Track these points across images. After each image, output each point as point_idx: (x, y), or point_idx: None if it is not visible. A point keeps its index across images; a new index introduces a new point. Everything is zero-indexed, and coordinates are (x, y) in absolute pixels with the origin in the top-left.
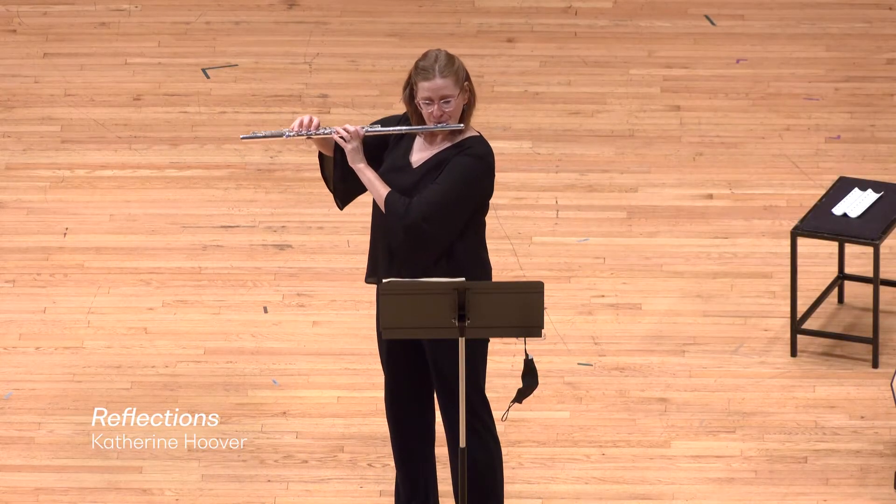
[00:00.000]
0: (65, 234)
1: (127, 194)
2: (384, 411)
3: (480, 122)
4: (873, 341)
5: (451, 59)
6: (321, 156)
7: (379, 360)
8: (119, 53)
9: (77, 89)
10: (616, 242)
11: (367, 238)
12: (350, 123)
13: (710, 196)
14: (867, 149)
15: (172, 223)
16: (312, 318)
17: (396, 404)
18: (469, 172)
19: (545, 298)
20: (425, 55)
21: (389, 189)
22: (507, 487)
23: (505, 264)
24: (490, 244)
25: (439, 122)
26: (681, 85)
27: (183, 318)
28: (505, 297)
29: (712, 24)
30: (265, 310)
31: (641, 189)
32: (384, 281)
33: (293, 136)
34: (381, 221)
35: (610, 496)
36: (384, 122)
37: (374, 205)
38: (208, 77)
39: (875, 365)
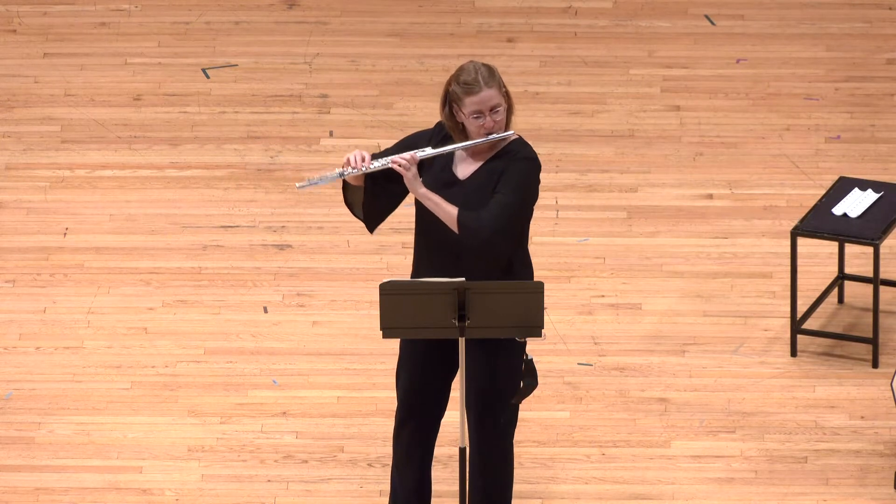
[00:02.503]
0: (65, 234)
1: (127, 194)
2: (384, 411)
3: None
4: (873, 341)
5: (490, 68)
6: (345, 183)
7: (379, 362)
8: (119, 53)
9: (77, 89)
10: (616, 242)
11: (367, 238)
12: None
13: (710, 196)
14: (867, 149)
15: (172, 223)
16: (312, 318)
17: (415, 413)
18: (528, 177)
19: (545, 298)
20: (463, 69)
21: (458, 208)
22: None
23: None
24: None
25: (490, 133)
26: (681, 85)
27: (183, 318)
28: (505, 297)
29: (712, 24)
30: (265, 310)
31: (641, 189)
32: (384, 281)
33: (349, 174)
34: (432, 231)
35: (610, 496)
36: (413, 138)
37: (421, 212)
38: (208, 77)
39: (875, 365)
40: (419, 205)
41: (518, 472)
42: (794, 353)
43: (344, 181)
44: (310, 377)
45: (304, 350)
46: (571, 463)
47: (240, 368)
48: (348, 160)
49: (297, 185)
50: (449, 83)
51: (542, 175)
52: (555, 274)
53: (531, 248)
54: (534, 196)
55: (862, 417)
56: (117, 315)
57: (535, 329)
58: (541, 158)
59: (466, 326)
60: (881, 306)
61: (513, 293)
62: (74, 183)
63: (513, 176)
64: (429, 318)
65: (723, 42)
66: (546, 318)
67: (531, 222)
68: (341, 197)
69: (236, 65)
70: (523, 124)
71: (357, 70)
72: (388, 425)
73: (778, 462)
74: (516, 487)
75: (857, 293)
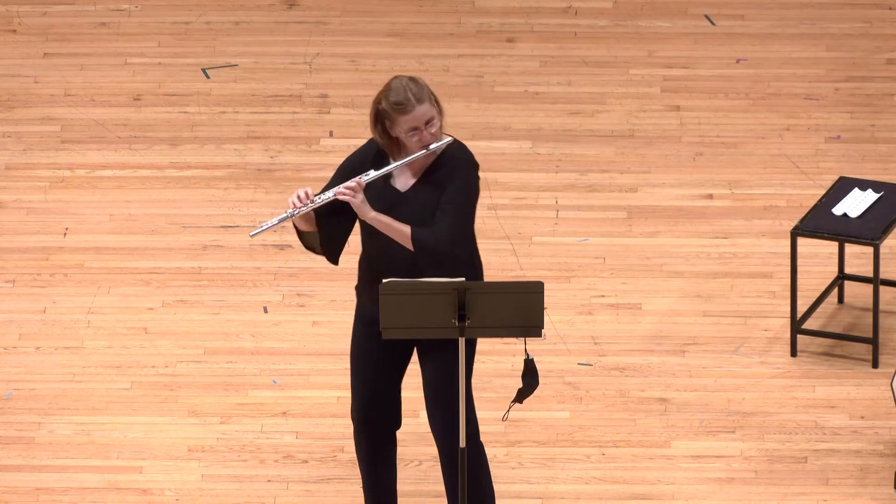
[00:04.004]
0: (65, 234)
1: (127, 194)
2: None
3: (480, 122)
4: (873, 341)
5: (416, 82)
6: (299, 231)
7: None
8: (119, 53)
9: (77, 89)
10: (616, 242)
11: None
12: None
13: (710, 196)
14: (867, 149)
15: (172, 223)
16: (312, 318)
17: (373, 422)
18: (470, 180)
19: (545, 298)
20: (391, 89)
21: (409, 226)
22: (507, 487)
23: (505, 264)
24: (490, 244)
25: (428, 146)
26: (681, 85)
27: (183, 318)
28: (505, 297)
29: (712, 24)
30: (265, 310)
31: (641, 189)
32: (384, 281)
33: (298, 212)
34: (381, 253)
35: (610, 496)
36: (350, 161)
37: (366, 236)
38: (208, 77)
39: (875, 365)
40: (364, 230)
41: (518, 472)
42: (794, 353)
43: (297, 229)
44: (310, 377)
45: (304, 350)
46: (571, 463)
47: (240, 368)
48: (294, 200)
49: (251, 233)
50: (377, 101)
51: (542, 175)
52: (555, 274)
53: (531, 249)
54: (477, 196)
55: (862, 417)
56: (117, 315)
57: (535, 329)
58: (541, 158)
59: (466, 326)
60: (881, 306)
61: (513, 293)
62: (74, 183)
63: (458, 183)
64: (429, 318)
65: (723, 42)
66: (546, 318)
67: (530, 223)
68: None
69: (236, 65)
70: (523, 124)
71: (357, 70)
72: None
73: (778, 462)
74: (516, 487)
75: (857, 293)
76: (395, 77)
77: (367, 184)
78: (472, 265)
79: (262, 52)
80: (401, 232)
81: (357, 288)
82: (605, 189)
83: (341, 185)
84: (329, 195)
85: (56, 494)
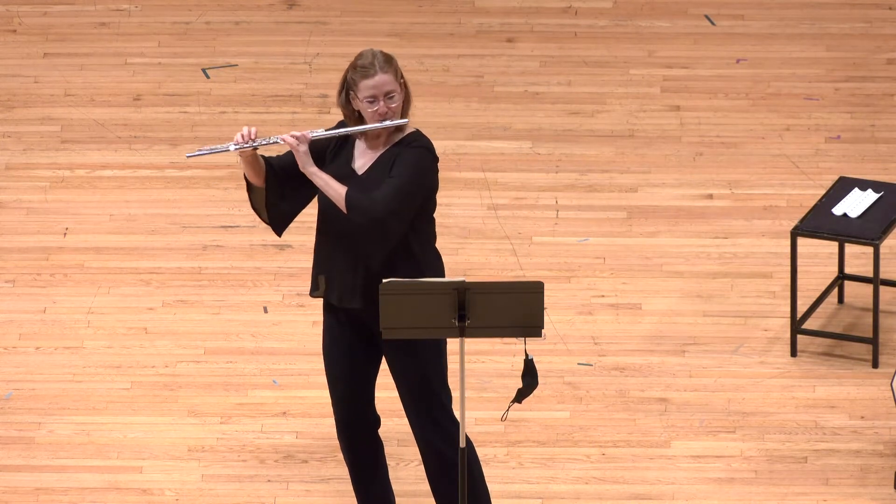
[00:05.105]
0: (65, 234)
1: (127, 194)
2: (383, 411)
3: (480, 122)
4: (873, 341)
5: (387, 55)
6: (249, 186)
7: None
8: (119, 53)
9: (77, 89)
10: (616, 242)
11: None
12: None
13: (710, 196)
14: (867, 149)
15: (172, 223)
16: (312, 318)
17: (352, 424)
18: (421, 163)
19: (545, 298)
20: (361, 55)
21: (346, 188)
22: (506, 487)
23: (505, 264)
24: (490, 244)
25: (384, 120)
26: (681, 85)
27: (183, 318)
28: (505, 297)
29: (712, 24)
30: (265, 310)
31: (641, 189)
32: (384, 281)
33: (239, 149)
34: (334, 225)
35: (610, 496)
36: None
37: (323, 207)
38: (208, 77)
39: (875, 365)
40: (321, 202)
41: (518, 472)
42: (794, 353)
43: (248, 183)
44: (310, 377)
45: (304, 350)
46: (571, 463)
47: (240, 368)
48: (238, 137)
49: (187, 154)
50: (347, 70)
51: (542, 175)
52: (555, 274)
53: (531, 249)
54: (428, 182)
55: (862, 417)
56: (117, 315)
57: (535, 329)
58: (541, 158)
59: (466, 326)
60: (881, 306)
61: (513, 293)
62: (74, 183)
63: (406, 160)
64: (429, 318)
65: (723, 42)
66: (546, 318)
67: (530, 222)
68: None
69: (236, 65)
70: (523, 124)
71: None
72: (387, 425)
73: (778, 462)
74: (516, 487)
75: (857, 293)
76: (369, 48)
77: (327, 155)
78: (423, 250)
79: (262, 52)
80: (336, 191)
81: (319, 275)
82: (605, 189)
83: (287, 134)
84: (273, 138)
85: (56, 494)
